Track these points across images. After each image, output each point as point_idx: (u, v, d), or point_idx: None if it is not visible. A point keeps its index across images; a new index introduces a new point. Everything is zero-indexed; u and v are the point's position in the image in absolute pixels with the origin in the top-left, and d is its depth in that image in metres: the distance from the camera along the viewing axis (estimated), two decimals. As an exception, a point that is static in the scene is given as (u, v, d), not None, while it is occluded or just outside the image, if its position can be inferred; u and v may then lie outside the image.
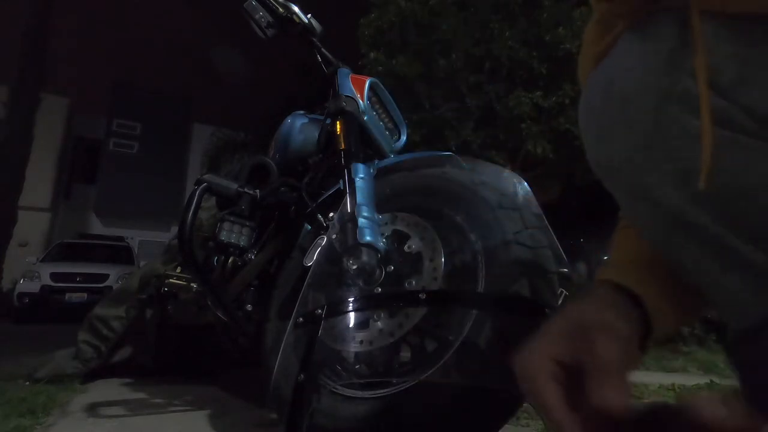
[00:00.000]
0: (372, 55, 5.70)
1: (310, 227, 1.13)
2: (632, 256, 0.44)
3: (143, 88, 16.26)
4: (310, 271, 0.92)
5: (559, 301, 0.79)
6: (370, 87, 1.28)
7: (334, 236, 0.93)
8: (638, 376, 2.16)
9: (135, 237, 13.37)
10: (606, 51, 0.40)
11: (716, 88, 0.32)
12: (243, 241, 1.22)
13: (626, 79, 0.36)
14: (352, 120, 1.16)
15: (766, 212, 0.32)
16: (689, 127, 0.33)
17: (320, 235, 1.05)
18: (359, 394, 0.84)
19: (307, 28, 1.32)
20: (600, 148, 0.39)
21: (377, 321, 0.86)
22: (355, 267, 0.86)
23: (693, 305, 0.44)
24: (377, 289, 0.88)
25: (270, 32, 1.28)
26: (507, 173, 0.95)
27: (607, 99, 0.37)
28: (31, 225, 12.12)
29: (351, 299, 0.87)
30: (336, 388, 0.86)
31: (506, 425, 0.77)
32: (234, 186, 1.24)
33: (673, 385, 1.84)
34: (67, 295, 6.99)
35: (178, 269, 1.50)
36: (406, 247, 0.92)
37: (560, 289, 0.81)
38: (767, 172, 0.31)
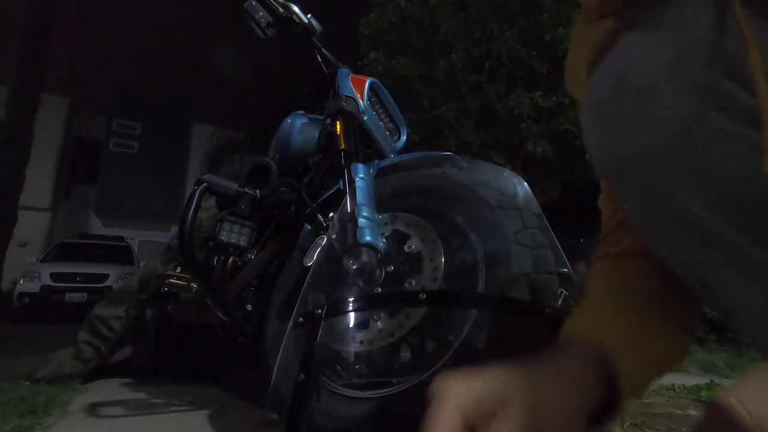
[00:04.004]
0: (372, 55, 5.70)
1: (310, 227, 1.13)
2: (607, 303, 0.42)
3: (143, 88, 16.27)
4: (310, 271, 0.92)
5: (559, 301, 0.79)
6: (370, 87, 1.28)
7: (334, 236, 0.93)
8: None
9: (135, 237, 13.37)
10: (608, 44, 0.37)
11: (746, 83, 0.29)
12: (243, 241, 1.22)
13: (643, 72, 0.33)
14: (352, 120, 1.16)
15: None
16: (719, 126, 0.30)
17: (320, 235, 1.05)
18: (359, 394, 0.84)
19: (307, 28, 1.32)
20: (609, 146, 0.36)
21: (377, 321, 0.86)
22: (355, 267, 0.86)
23: (671, 351, 0.42)
24: (377, 289, 0.88)
25: (270, 32, 1.28)
26: (507, 173, 0.95)
27: (619, 93, 0.34)
28: (31, 225, 12.11)
29: (351, 299, 0.87)
30: (336, 388, 0.86)
31: (506, 425, 0.77)
32: (234, 186, 1.24)
33: (673, 385, 1.84)
34: (67, 295, 6.98)
35: (178, 269, 1.50)
36: (406, 247, 0.92)
37: (560, 289, 0.81)
38: None
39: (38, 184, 12.06)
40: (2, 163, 9.55)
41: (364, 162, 1.04)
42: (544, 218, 0.87)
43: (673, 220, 0.33)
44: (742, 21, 0.29)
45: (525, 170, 5.48)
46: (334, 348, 0.89)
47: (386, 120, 1.38)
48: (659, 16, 0.33)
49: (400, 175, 1.05)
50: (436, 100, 5.69)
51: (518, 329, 0.78)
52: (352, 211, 0.90)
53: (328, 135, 1.20)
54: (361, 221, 0.88)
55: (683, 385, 1.82)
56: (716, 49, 0.30)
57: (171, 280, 1.39)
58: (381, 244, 0.88)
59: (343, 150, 1.08)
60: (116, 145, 14.86)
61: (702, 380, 1.90)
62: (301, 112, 1.50)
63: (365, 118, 1.21)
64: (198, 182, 1.20)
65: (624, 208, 0.39)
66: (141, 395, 1.55)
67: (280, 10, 1.28)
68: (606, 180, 0.39)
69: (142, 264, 5.41)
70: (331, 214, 1.05)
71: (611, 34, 0.37)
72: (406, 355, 0.92)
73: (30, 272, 7.19)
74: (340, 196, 0.99)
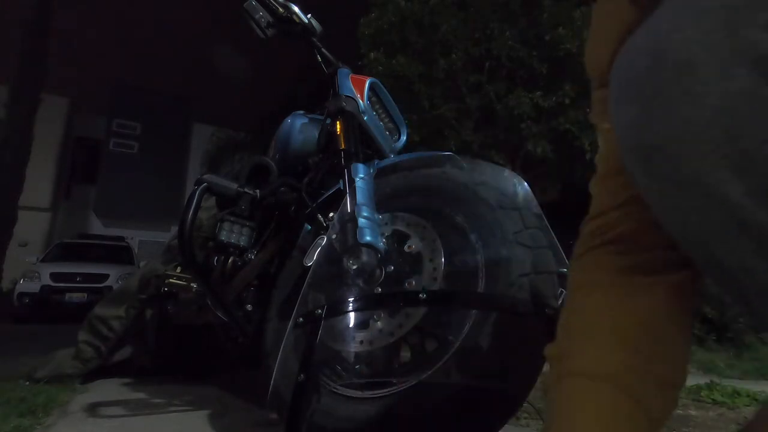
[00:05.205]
0: (372, 55, 5.69)
1: (310, 227, 1.13)
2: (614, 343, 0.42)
3: (143, 88, 16.26)
4: (310, 271, 0.92)
5: (559, 301, 0.79)
6: (370, 87, 1.28)
7: (334, 236, 0.92)
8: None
9: (135, 237, 13.37)
10: (640, 16, 0.34)
11: None
12: (243, 241, 1.22)
13: (684, 42, 0.30)
14: (352, 120, 1.16)
15: None
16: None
17: (320, 235, 1.05)
18: (359, 394, 0.84)
19: (307, 28, 1.32)
20: (641, 125, 0.33)
21: (377, 321, 0.86)
22: (355, 267, 0.86)
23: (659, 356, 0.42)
24: (377, 289, 0.88)
25: (270, 32, 1.28)
26: (507, 173, 0.95)
27: (656, 67, 0.31)
28: (31, 225, 12.11)
29: (351, 299, 0.87)
30: (336, 389, 0.86)
31: (506, 425, 0.77)
32: (234, 186, 1.24)
33: (673, 385, 1.84)
34: (67, 295, 6.98)
35: (178, 269, 1.50)
36: (406, 247, 0.92)
37: (560, 289, 0.81)
38: None
39: (38, 184, 12.05)
40: (2, 163, 9.55)
41: (364, 162, 1.04)
42: (544, 218, 0.87)
43: (705, 205, 0.31)
44: None
45: (525, 170, 5.48)
46: (334, 348, 0.89)
47: (386, 120, 1.38)
48: None
49: (400, 175, 1.05)
50: (436, 100, 5.68)
51: (518, 329, 0.78)
52: (352, 211, 0.90)
53: (328, 135, 1.20)
54: (361, 221, 0.88)
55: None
56: (759, 11, 0.27)
57: (171, 280, 1.39)
58: (381, 244, 0.88)
59: (343, 150, 1.08)
60: (116, 145, 14.85)
61: (702, 380, 1.90)
62: (301, 112, 1.50)
63: (365, 118, 1.21)
64: (198, 182, 1.20)
65: (647, 192, 0.36)
66: (141, 395, 1.55)
67: (280, 10, 1.28)
68: (632, 161, 0.36)
69: (142, 264, 5.40)
70: (331, 214, 1.05)
71: (643, 5, 0.35)
72: (406, 355, 0.92)
73: (30, 272, 7.19)
74: (340, 196, 0.99)
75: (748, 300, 0.34)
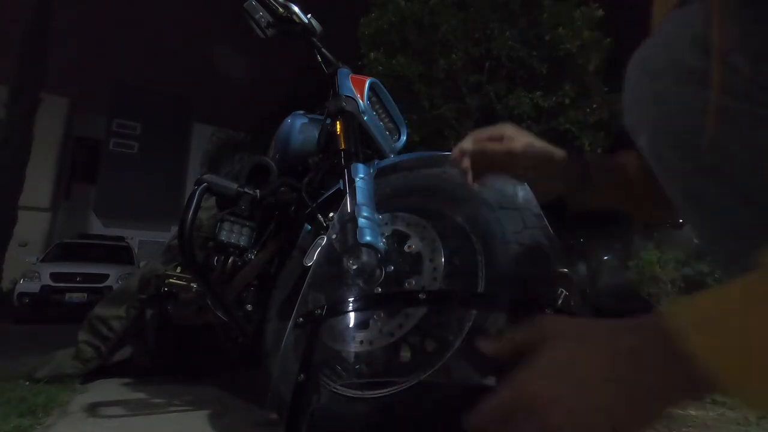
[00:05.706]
0: (372, 55, 5.70)
1: (310, 227, 1.13)
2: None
3: (143, 88, 16.26)
4: (310, 271, 0.92)
5: (559, 302, 0.79)
6: (370, 87, 1.28)
7: (334, 236, 0.92)
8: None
9: (135, 237, 13.37)
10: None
11: (730, 64, 0.35)
12: (243, 241, 1.22)
13: (655, 57, 0.41)
14: (352, 120, 1.16)
15: (764, 182, 0.36)
16: (699, 103, 0.36)
17: (320, 235, 1.05)
18: (359, 394, 0.84)
19: (307, 28, 1.32)
20: (630, 112, 0.45)
21: (377, 321, 0.86)
22: (355, 267, 0.86)
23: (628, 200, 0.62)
24: (377, 289, 0.88)
25: (270, 32, 1.28)
26: (507, 173, 0.95)
27: (640, 73, 0.43)
28: (31, 225, 12.11)
29: (351, 299, 0.87)
30: (336, 389, 0.86)
31: (506, 425, 0.77)
32: (234, 186, 1.24)
33: (673, 385, 1.84)
34: (67, 295, 6.98)
35: (178, 269, 1.50)
36: (406, 247, 0.92)
37: (560, 289, 0.81)
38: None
39: (38, 184, 12.06)
40: (2, 163, 9.55)
41: (364, 162, 1.04)
42: (544, 218, 0.87)
43: (669, 178, 0.43)
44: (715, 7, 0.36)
45: (525, 170, 5.47)
46: (334, 348, 0.89)
47: (386, 120, 1.38)
48: (679, 11, 0.41)
49: (400, 175, 1.05)
50: (436, 100, 5.68)
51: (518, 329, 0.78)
52: (352, 211, 0.90)
53: (328, 135, 1.20)
54: (361, 221, 0.88)
55: (683, 385, 1.82)
56: (702, 37, 0.37)
57: (171, 280, 1.39)
58: (381, 244, 0.88)
59: (343, 150, 1.08)
60: (116, 145, 14.85)
61: (702, 380, 1.89)
62: (301, 112, 1.50)
63: (365, 118, 1.21)
64: (198, 182, 1.20)
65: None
66: (141, 395, 1.55)
67: (280, 10, 1.28)
68: (630, 134, 0.47)
69: (142, 264, 5.41)
70: (331, 214, 1.05)
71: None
72: (406, 355, 0.91)
73: (30, 272, 7.19)
74: (340, 196, 0.99)
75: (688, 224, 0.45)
